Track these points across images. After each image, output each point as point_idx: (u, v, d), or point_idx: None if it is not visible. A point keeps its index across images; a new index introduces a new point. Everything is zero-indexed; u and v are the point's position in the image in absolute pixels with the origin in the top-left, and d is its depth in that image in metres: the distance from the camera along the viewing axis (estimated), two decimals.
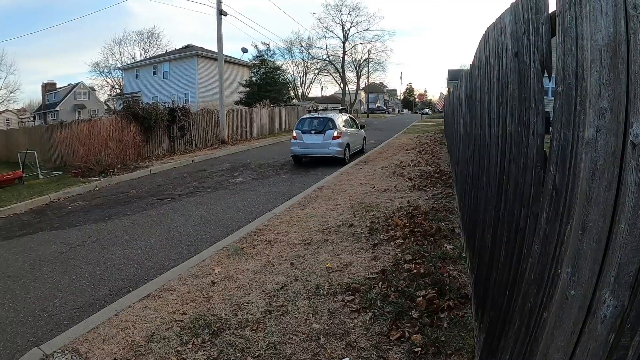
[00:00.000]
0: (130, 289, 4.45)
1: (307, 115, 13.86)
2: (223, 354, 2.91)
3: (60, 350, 3.26)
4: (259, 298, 3.74)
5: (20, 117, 56.90)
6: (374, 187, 8.00)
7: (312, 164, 12.90)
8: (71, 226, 7.46)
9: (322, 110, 15.67)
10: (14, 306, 4.45)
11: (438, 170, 9.21)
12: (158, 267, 5.06)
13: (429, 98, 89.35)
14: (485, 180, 2.72)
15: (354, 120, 14.85)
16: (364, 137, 15.47)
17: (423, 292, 3.43)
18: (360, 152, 14.43)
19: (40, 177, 13.68)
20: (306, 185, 9.04)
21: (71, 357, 3.16)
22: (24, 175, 13.27)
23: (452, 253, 4.32)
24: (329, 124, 12.49)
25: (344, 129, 12.71)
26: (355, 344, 2.90)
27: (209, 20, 60.26)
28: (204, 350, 2.98)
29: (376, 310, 3.30)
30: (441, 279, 3.66)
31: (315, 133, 12.61)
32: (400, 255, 4.40)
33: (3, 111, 48.52)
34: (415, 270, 3.88)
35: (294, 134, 13.10)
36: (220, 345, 3.02)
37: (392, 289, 3.61)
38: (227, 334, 3.17)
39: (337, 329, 3.10)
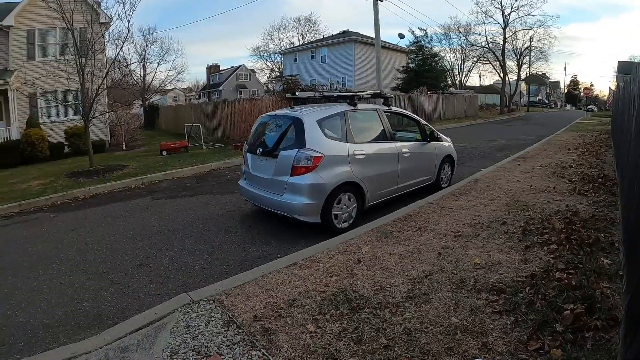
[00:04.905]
0: (279, 256, 4.84)
1: (270, 113, 6.91)
2: (358, 330, 3.03)
3: (206, 299, 3.67)
4: (402, 282, 3.79)
5: (186, 95, 64.46)
6: (531, 185, 7.47)
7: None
8: (229, 193, 8.35)
9: (319, 99, 7.06)
10: (170, 255, 5.18)
11: (602, 175, 8.22)
12: (309, 238, 5.41)
13: (594, 93, 79.43)
14: None
15: (415, 121, 7.61)
16: (447, 156, 7.98)
17: (571, 306, 3.14)
18: (434, 187, 7.71)
19: (203, 147, 15.49)
20: (461, 176, 8.83)
21: (215, 307, 3.53)
22: (189, 145, 15.22)
23: (609, 269, 3.85)
24: (291, 134, 5.78)
25: (340, 146, 5.73)
26: (491, 346, 2.79)
27: (364, 6, 60.97)
28: (340, 323, 3.14)
29: (519, 316, 3.12)
30: (592, 296, 3.30)
31: (262, 155, 6.07)
32: (552, 262, 4.06)
33: (172, 89, 55.34)
34: (566, 281, 3.56)
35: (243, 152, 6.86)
36: (357, 321, 3.14)
37: (539, 297, 3.36)
38: (365, 311, 3.28)
39: (475, 327, 3.01)
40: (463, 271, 3.98)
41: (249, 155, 6.45)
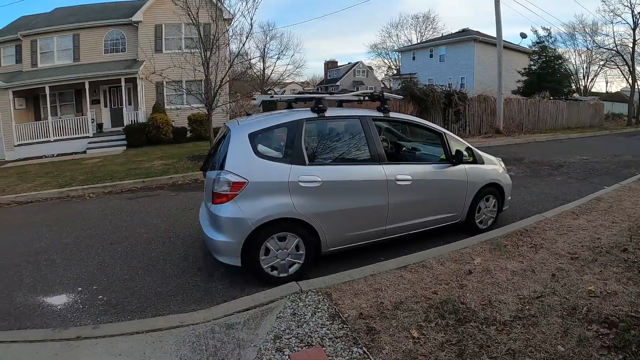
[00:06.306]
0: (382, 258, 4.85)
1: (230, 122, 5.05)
2: (461, 343, 3.04)
3: (314, 291, 3.86)
4: (512, 300, 3.70)
5: (304, 89, 66.52)
6: None
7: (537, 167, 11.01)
8: None
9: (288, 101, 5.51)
10: None
11: None
12: (419, 244, 5.34)
13: None
14: None
15: (436, 134, 5.52)
16: (490, 184, 5.81)
17: None
18: (464, 228, 5.82)
19: None
20: (582, 192, 8.30)
21: (322, 299, 3.69)
22: None
23: None
24: (221, 149, 4.55)
25: (278, 170, 4.27)
26: None
27: (484, 4, 58.01)
28: (444, 333, 3.16)
29: (628, 355, 2.92)
30: None
31: (201, 171, 5.60)
32: None
33: (290, 83, 58.20)
34: None
35: None
36: (462, 334, 3.14)
37: None
38: (471, 325, 3.27)
39: None
40: (576, 297, 3.77)
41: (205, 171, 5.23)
